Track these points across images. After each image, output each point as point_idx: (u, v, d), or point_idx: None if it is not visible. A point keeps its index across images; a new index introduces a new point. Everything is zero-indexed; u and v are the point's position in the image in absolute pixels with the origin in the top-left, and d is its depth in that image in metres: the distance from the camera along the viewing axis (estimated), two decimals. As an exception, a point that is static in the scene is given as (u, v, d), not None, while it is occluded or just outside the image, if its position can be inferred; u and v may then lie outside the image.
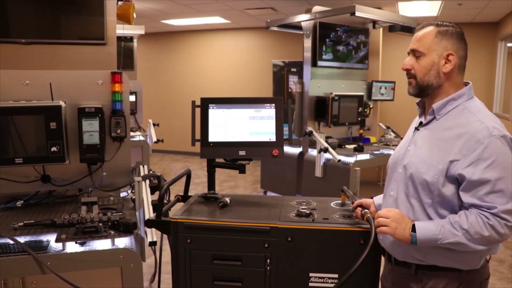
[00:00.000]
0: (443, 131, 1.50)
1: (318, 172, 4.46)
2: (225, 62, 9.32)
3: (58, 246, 1.73)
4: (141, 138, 4.55)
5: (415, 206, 1.51)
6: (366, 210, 1.77)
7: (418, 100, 1.65)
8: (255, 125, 2.14)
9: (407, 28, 5.15)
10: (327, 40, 4.91)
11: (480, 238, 1.39)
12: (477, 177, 1.38)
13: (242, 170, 2.16)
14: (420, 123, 1.63)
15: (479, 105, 1.53)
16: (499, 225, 1.37)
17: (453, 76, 1.53)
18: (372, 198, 1.88)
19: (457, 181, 1.44)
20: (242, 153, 2.12)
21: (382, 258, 1.76)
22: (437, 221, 1.45)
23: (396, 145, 5.05)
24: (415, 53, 1.52)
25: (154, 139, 4.46)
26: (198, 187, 6.16)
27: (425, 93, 1.55)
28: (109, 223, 1.87)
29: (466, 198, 1.41)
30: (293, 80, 8.64)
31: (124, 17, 3.18)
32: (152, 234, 1.90)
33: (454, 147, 1.43)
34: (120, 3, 3.18)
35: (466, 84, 1.57)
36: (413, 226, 1.46)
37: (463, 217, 1.40)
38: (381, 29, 5.64)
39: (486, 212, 1.38)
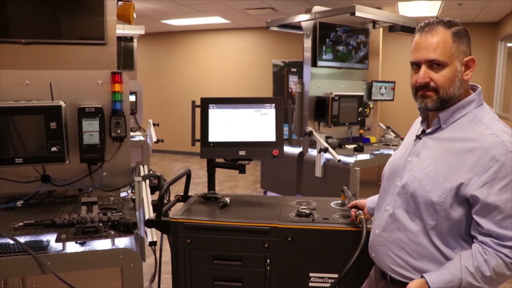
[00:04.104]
0: (451, 143, 1.34)
1: (318, 172, 4.46)
2: (225, 62, 9.31)
3: (58, 246, 1.73)
4: (141, 138, 4.55)
5: (417, 227, 1.36)
6: (359, 212, 1.78)
7: None
8: (255, 125, 2.14)
9: (407, 28, 5.15)
10: (327, 40, 4.91)
11: (501, 279, 1.28)
12: (493, 200, 1.23)
13: (242, 170, 2.16)
14: (423, 131, 1.46)
15: (490, 114, 1.37)
16: None
17: (468, 82, 1.39)
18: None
19: (467, 202, 1.29)
20: (242, 153, 2.12)
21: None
22: (453, 272, 1.28)
23: (396, 145, 5.04)
24: (435, 64, 1.32)
25: (154, 139, 4.46)
26: (198, 187, 6.16)
27: (446, 105, 1.36)
28: (109, 223, 1.87)
29: (484, 223, 1.26)
30: (293, 80, 8.64)
31: (124, 17, 3.18)
32: (152, 234, 1.90)
33: (465, 163, 1.27)
34: (120, 3, 3.18)
35: (473, 88, 1.41)
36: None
37: (481, 261, 1.25)
38: (381, 29, 5.65)
39: (505, 248, 1.24)
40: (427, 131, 1.44)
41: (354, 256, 1.56)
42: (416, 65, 1.38)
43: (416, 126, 1.55)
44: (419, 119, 1.53)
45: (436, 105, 1.36)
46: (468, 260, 1.28)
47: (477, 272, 1.25)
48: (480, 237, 1.28)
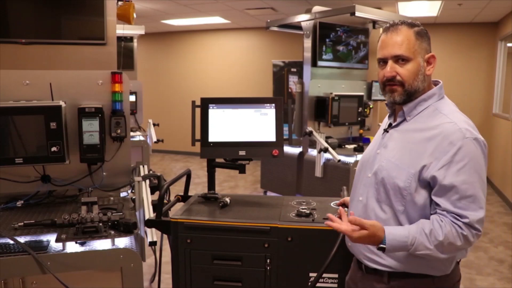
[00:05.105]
0: (414, 133, 1.46)
1: (318, 172, 4.46)
2: (225, 62, 9.32)
3: (58, 246, 1.73)
4: (141, 138, 4.55)
5: (387, 213, 1.46)
6: (345, 209, 1.80)
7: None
8: (255, 125, 2.15)
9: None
10: (327, 40, 4.91)
11: (451, 247, 1.37)
12: (449, 181, 1.34)
13: (242, 170, 2.16)
14: (390, 125, 1.57)
15: (450, 106, 1.48)
16: (471, 235, 1.35)
17: (430, 77, 1.51)
18: None
19: (429, 185, 1.40)
20: (242, 153, 2.12)
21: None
22: (409, 229, 1.38)
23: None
24: (400, 59, 1.44)
25: (154, 139, 4.46)
26: (198, 187, 6.16)
27: (412, 98, 1.48)
28: (109, 223, 1.87)
29: (441, 202, 1.37)
30: (293, 80, 8.64)
31: (124, 17, 3.18)
32: (152, 234, 1.90)
33: (426, 150, 1.39)
34: (120, 3, 3.18)
35: (436, 83, 1.53)
36: (384, 240, 1.38)
37: (437, 227, 1.36)
38: (381, 29, 5.65)
39: (459, 221, 1.35)
40: (393, 124, 1.55)
41: (332, 252, 1.61)
42: (383, 62, 1.49)
43: (386, 122, 1.65)
44: (386, 119, 1.64)
45: (403, 98, 1.48)
46: (425, 223, 1.39)
47: (431, 234, 1.35)
48: (438, 211, 1.39)
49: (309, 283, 1.84)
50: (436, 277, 1.46)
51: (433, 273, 1.46)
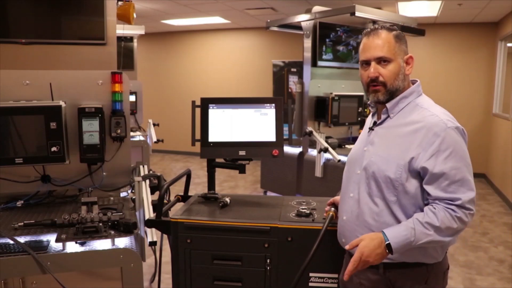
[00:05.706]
0: (399, 128, 1.55)
1: (318, 172, 4.46)
2: (225, 62, 9.32)
3: (58, 246, 1.73)
4: (141, 138, 4.54)
5: (380, 205, 1.53)
6: (332, 208, 1.81)
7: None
8: (255, 125, 2.15)
9: (407, 28, 5.14)
10: (327, 40, 4.91)
11: (449, 231, 1.45)
12: (438, 169, 1.44)
13: (242, 170, 2.16)
14: (374, 123, 1.66)
15: (429, 101, 1.60)
16: (464, 215, 1.44)
17: (409, 77, 1.61)
18: None
19: (419, 175, 1.49)
20: (242, 153, 2.12)
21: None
22: (406, 224, 1.46)
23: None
24: (382, 60, 1.54)
25: (154, 139, 4.45)
26: (198, 187, 6.16)
27: (393, 97, 1.58)
28: (109, 223, 1.87)
29: (431, 190, 1.46)
30: (293, 80, 8.64)
31: (124, 17, 3.18)
32: (152, 234, 1.90)
33: (413, 142, 1.48)
34: (120, 3, 3.18)
35: (413, 82, 1.63)
36: (385, 237, 1.45)
37: (431, 215, 1.44)
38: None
39: (452, 205, 1.44)
40: (378, 122, 1.64)
41: (312, 251, 1.63)
42: (365, 63, 1.59)
43: (370, 121, 1.74)
44: (370, 118, 1.74)
45: (386, 97, 1.58)
46: (419, 215, 1.47)
47: (426, 223, 1.43)
48: (430, 201, 1.48)
49: (308, 283, 1.84)
50: (430, 265, 1.54)
51: (427, 261, 1.53)
